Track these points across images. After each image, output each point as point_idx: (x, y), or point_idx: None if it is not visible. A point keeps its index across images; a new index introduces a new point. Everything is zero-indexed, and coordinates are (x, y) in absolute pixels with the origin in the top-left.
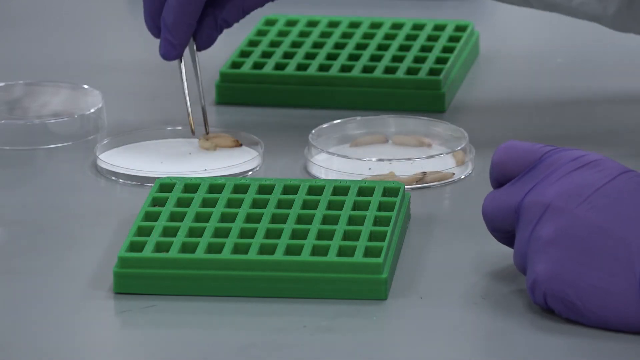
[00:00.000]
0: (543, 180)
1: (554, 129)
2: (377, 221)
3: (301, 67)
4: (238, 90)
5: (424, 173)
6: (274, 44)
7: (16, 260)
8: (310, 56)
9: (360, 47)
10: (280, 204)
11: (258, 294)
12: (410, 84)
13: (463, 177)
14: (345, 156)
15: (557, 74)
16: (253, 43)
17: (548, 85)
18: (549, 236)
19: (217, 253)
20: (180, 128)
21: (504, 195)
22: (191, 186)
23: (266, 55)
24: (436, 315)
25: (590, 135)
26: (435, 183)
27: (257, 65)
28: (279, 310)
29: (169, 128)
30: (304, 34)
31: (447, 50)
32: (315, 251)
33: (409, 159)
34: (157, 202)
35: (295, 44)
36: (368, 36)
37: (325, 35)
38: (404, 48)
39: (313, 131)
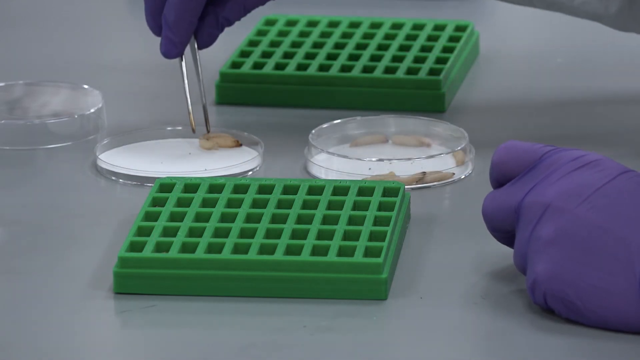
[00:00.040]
0: (543, 180)
1: (554, 129)
2: (377, 221)
3: (301, 67)
4: (238, 90)
5: (424, 173)
6: (274, 44)
7: (16, 260)
8: (310, 56)
9: (360, 47)
10: (280, 204)
11: (258, 294)
12: (410, 84)
13: (463, 177)
14: (345, 156)
15: (557, 74)
16: (253, 43)
17: (548, 85)
18: (549, 236)
19: (217, 253)
20: (180, 128)
21: (504, 195)
22: (191, 186)
23: (266, 55)
24: (436, 315)
25: (590, 135)
26: (435, 183)
27: (257, 65)
28: (279, 310)
29: (169, 128)
30: (304, 34)
31: (447, 50)
32: (315, 251)
33: (409, 159)
34: (157, 202)
35: (295, 44)
36: (368, 36)
37: (325, 35)
38: (404, 48)
39: (313, 131)
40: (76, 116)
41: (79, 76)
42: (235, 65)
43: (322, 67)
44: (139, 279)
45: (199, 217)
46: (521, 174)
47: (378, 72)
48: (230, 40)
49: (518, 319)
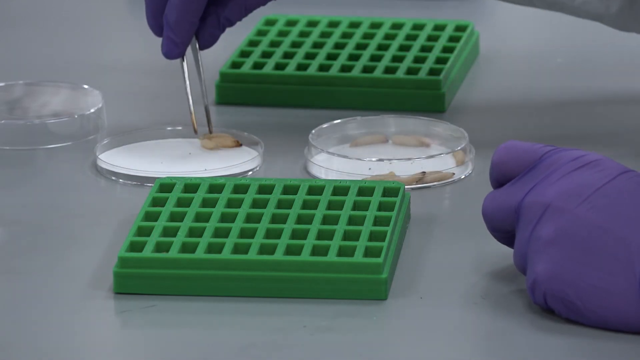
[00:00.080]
0: (543, 180)
1: (554, 129)
2: (377, 221)
3: (301, 67)
4: (238, 90)
5: (424, 173)
6: (274, 44)
7: (16, 260)
8: (310, 56)
9: (360, 47)
10: (280, 204)
11: (258, 294)
12: (410, 84)
13: (463, 177)
14: (345, 156)
15: (557, 74)
16: (253, 43)
17: (548, 85)
18: (549, 236)
19: (217, 253)
20: (180, 128)
21: (504, 195)
22: (191, 186)
23: (266, 55)
24: (436, 315)
25: (590, 135)
26: (435, 183)
27: (257, 65)
28: (279, 310)
29: (169, 128)
30: (304, 34)
31: (447, 50)
32: (315, 251)
33: (409, 159)
34: (157, 202)
35: (295, 44)
36: (368, 36)
37: (325, 35)
38: (404, 48)
39: (313, 131)
40: (76, 116)
41: (79, 76)
42: (235, 65)
43: (322, 67)
44: (139, 279)
45: (199, 217)
46: (521, 174)
47: (378, 72)
48: (231, 40)
49: (518, 319)
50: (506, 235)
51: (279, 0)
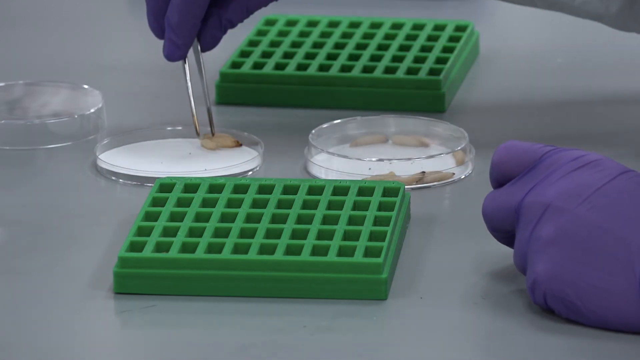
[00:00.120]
0: (543, 180)
1: (554, 129)
2: (377, 221)
3: (301, 67)
4: (238, 90)
5: (423, 173)
6: (274, 44)
7: (16, 260)
8: (310, 56)
9: (360, 47)
10: (280, 204)
11: (258, 294)
12: (410, 84)
13: (463, 177)
14: (345, 156)
15: (557, 74)
16: (253, 43)
17: (548, 85)
18: (549, 236)
19: (217, 253)
20: (180, 128)
21: (504, 195)
22: (191, 186)
23: (266, 55)
24: (436, 315)
25: (590, 135)
26: (435, 183)
27: (257, 65)
28: (279, 310)
29: (169, 128)
30: (304, 34)
31: (447, 50)
32: (315, 251)
33: (409, 159)
34: (157, 202)
35: (295, 44)
36: (368, 36)
37: (325, 35)
38: (404, 48)
39: (313, 131)
40: (76, 116)
41: (79, 76)
42: (235, 65)
43: (322, 67)
44: (139, 279)
45: (199, 217)
46: (521, 174)
47: (378, 72)
48: (231, 40)
49: (518, 319)
50: (506, 235)
51: (279, 0)
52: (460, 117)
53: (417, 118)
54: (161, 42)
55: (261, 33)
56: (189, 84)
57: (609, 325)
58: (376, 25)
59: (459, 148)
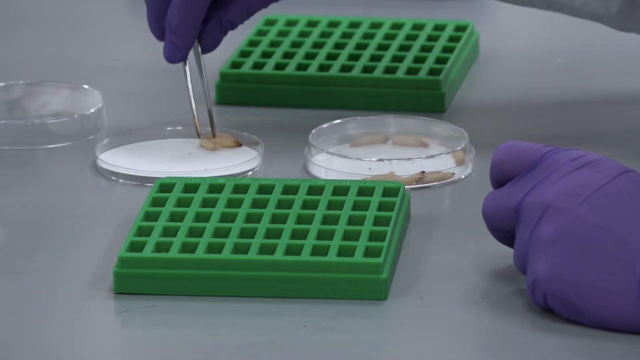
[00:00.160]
0: (543, 180)
1: (554, 129)
2: (377, 221)
3: (301, 67)
4: (238, 90)
5: (423, 173)
6: (274, 44)
7: (16, 260)
8: (310, 56)
9: (360, 47)
10: (280, 204)
11: (258, 294)
12: (410, 84)
13: (463, 177)
14: (345, 156)
15: (557, 74)
16: (253, 43)
17: (548, 85)
18: (549, 236)
19: (217, 253)
20: (180, 128)
21: (504, 195)
22: (191, 186)
23: (266, 55)
24: (436, 315)
25: (590, 135)
26: (435, 183)
27: (257, 65)
28: (279, 310)
29: (169, 128)
30: (304, 34)
31: (447, 50)
32: (315, 251)
33: (409, 159)
34: (157, 202)
35: (295, 44)
36: (368, 36)
37: (325, 35)
38: (404, 48)
39: (313, 131)
40: (76, 116)
41: (79, 76)
42: (235, 65)
43: (322, 67)
44: (139, 279)
45: (199, 217)
46: (521, 174)
47: (378, 72)
48: (230, 41)
49: (518, 319)
50: (506, 235)
51: (282, 0)
52: (460, 117)
53: (417, 118)
54: (161, 43)
55: (261, 33)
56: (190, 85)
57: (609, 325)
58: (376, 25)
59: (459, 148)
